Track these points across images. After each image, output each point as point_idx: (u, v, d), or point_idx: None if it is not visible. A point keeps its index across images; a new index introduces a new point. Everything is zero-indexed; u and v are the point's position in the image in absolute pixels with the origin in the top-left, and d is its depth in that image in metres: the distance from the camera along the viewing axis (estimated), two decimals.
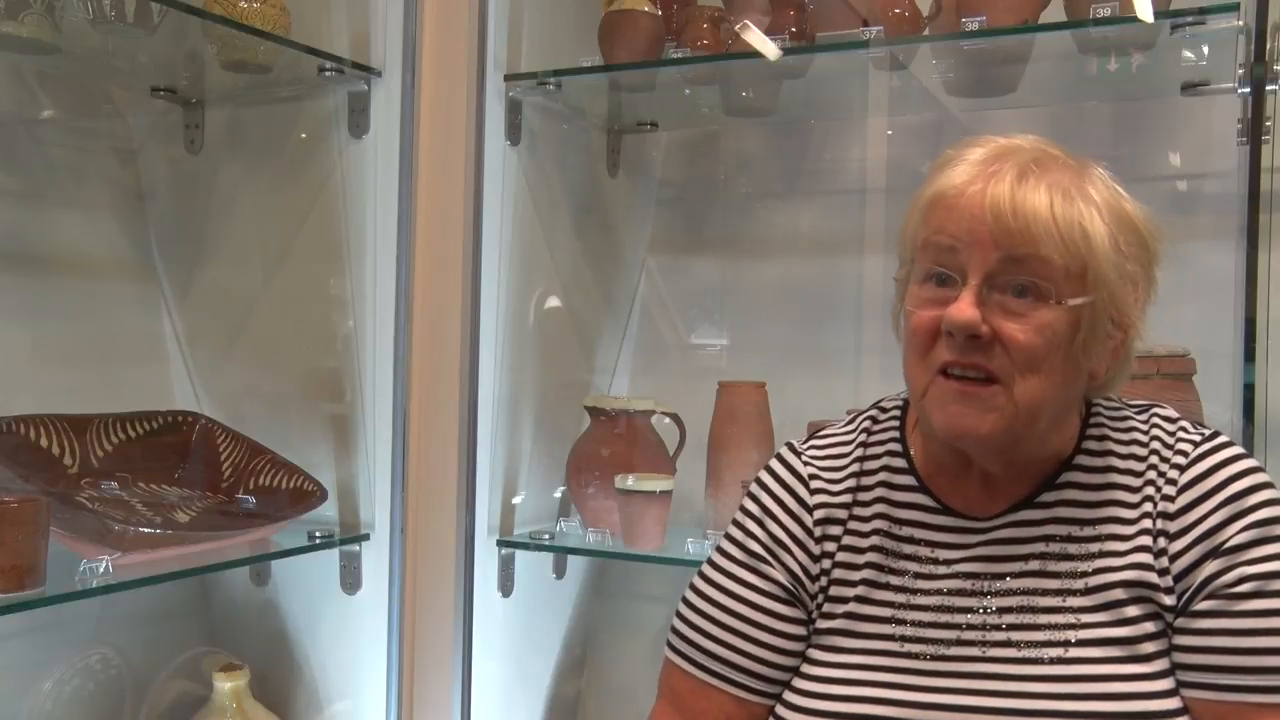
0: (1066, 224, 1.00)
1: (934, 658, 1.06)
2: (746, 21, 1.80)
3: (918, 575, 1.10)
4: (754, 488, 1.20)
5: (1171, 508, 1.05)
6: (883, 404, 1.22)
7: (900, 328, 1.11)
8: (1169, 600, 1.02)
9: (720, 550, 1.18)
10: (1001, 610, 1.06)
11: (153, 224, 2.05)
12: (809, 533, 1.14)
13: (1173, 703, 1.00)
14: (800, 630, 1.13)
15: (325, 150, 1.94)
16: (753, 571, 1.14)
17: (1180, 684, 1.01)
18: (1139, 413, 1.13)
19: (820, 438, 1.21)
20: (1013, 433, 1.03)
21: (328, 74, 1.85)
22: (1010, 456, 1.07)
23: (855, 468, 1.16)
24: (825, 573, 1.13)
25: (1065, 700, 1.00)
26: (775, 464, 1.20)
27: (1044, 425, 1.05)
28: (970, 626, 1.06)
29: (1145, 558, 1.04)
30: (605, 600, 2.20)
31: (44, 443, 1.72)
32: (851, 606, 1.11)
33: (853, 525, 1.14)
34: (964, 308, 1.00)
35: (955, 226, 1.02)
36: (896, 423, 1.18)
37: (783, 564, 1.14)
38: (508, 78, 1.90)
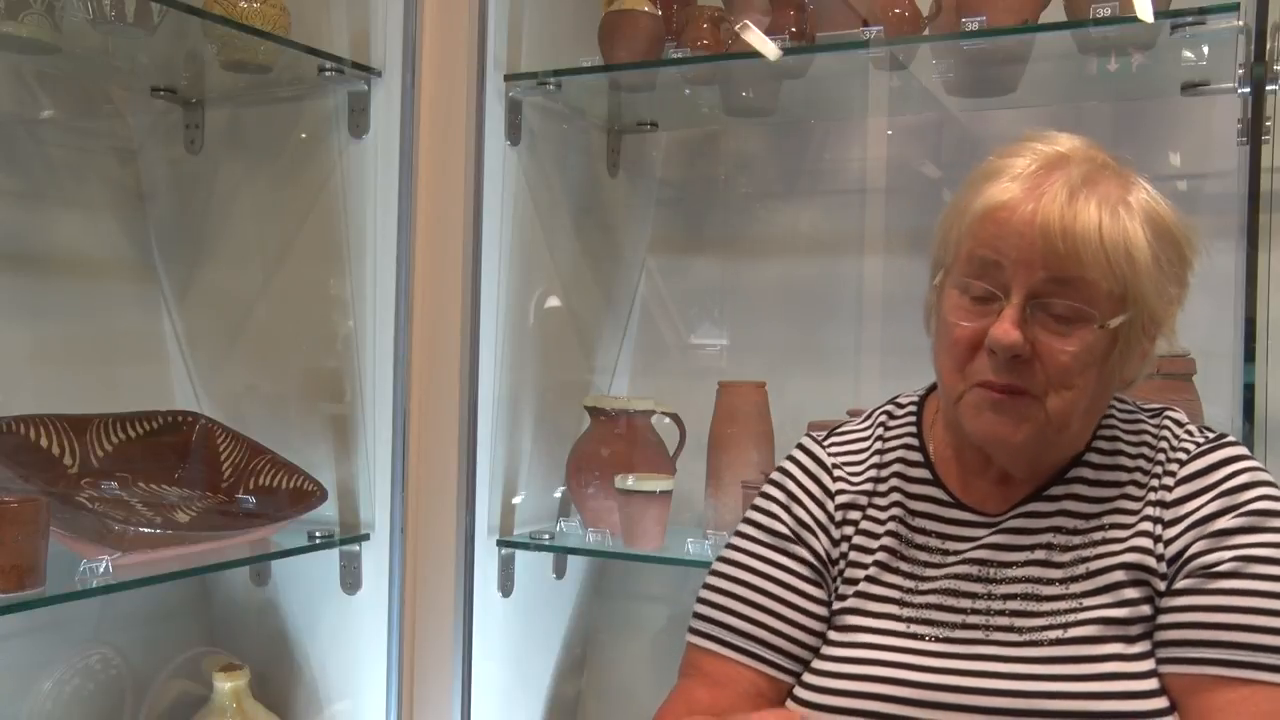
0: (1113, 246, 1.01)
1: (939, 639, 1.09)
2: (746, 21, 1.80)
3: (927, 564, 1.12)
4: (777, 475, 1.22)
5: (1169, 497, 1.07)
6: (899, 400, 1.25)
7: (931, 324, 1.14)
8: (1162, 586, 1.04)
9: (742, 534, 1.20)
10: (1006, 597, 1.08)
11: (153, 224, 2.05)
12: (831, 518, 1.17)
13: (1154, 682, 1.03)
14: (823, 610, 1.15)
15: (325, 150, 1.94)
16: (781, 552, 1.17)
17: (1157, 661, 1.03)
18: (1151, 416, 1.15)
19: (839, 433, 1.24)
20: (1044, 441, 1.06)
21: (328, 74, 1.85)
22: (1035, 464, 1.11)
23: (875, 459, 1.19)
24: (843, 555, 1.16)
25: (1060, 681, 1.03)
26: (798, 453, 1.23)
27: (1072, 433, 1.08)
28: (975, 611, 1.09)
29: (1145, 542, 1.06)
30: (605, 600, 2.20)
31: (44, 443, 1.72)
32: (862, 586, 1.14)
33: (871, 513, 1.17)
34: (1008, 329, 1.02)
35: (1003, 244, 1.03)
36: (913, 419, 1.21)
37: (809, 546, 1.16)
38: (508, 78, 1.90)
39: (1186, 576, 1.03)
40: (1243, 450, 1.09)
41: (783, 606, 1.15)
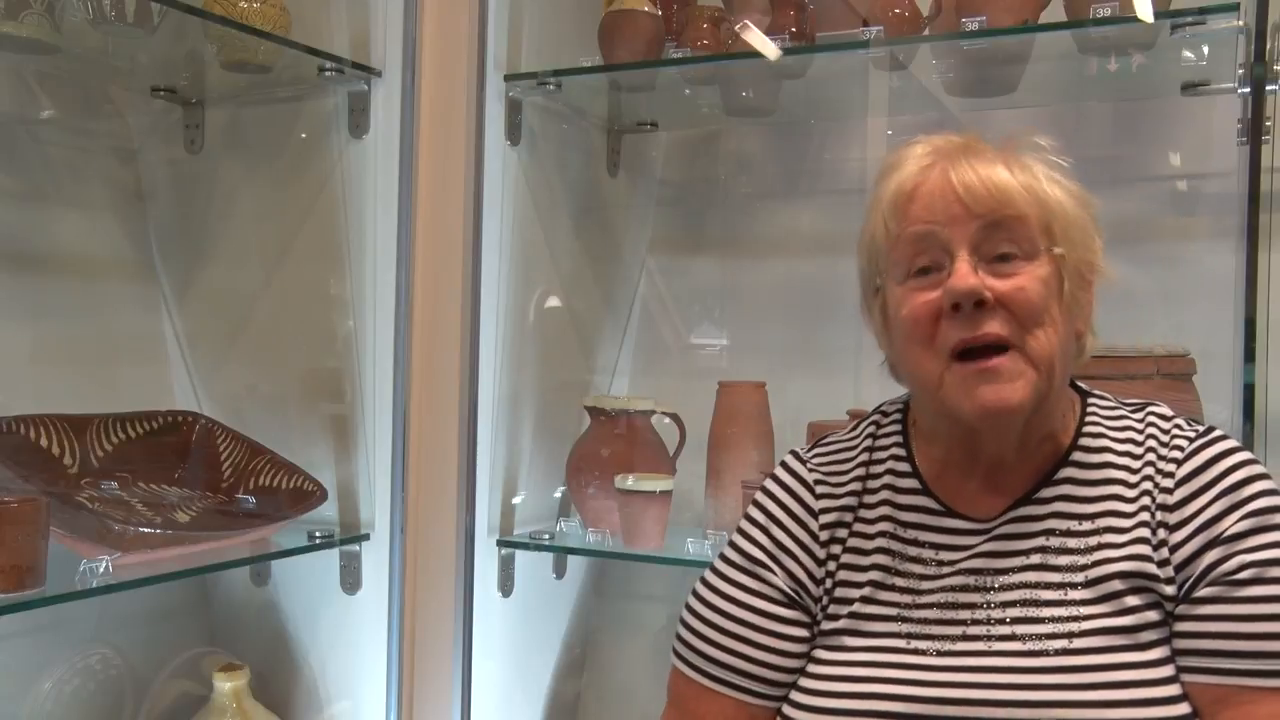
0: (1026, 185, 1.05)
1: (940, 653, 1.07)
2: (746, 21, 1.80)
3: (923, 576, 1.11)
4: (759, 495, 1.21)
5: (1170, 499, 1.06)
6: (884, 409, 1.23)
7: (880, 333, 1.14)
8: (1170, 590, 1.03)
9: (723, 557, 1.19)
10: (1005, 605, 1.07)
11: (153, 224, 2.05)
12: (814, 538, 1.15)
13: (1173, 689, 1.01)
14: (802, 633, 1.13)
15: (325, 150, 1.94)
16: (753, 577, 1.15)
17: (1180, 670, 1.02)
18: (1134, 410, 1.14)
19: (824, 445, 1.22)
20: (1039, 393, 1.04)
21: (328, 74, 1.85)
22: (1025, 434, 1.09)
23: (860, 472, 1.17)
24: (830, 575, 1.14)
25: (1071, 690, 1.01)
26: (780, 471, 1.21)
27: (1057, 384, 1.07)
28: (975, 621, 1.07)
29: (1144, 549, 1.05)
30: (605, 600, 2.20)
31: (44, 443, 1.72)
32: (856, 606, 1.12)
33: (858, 528, 1.15)
34: (965, 275, 1.02)
35: (929, 211, 1.05)
36: (899, 426, 1.19)
37: (785, 569, 1.15)
38: (508, 78, 1.90)
39: (1207, 585, 1.02)
40: (1233, 443, 1.08)
41: (754, 633, 1.13)
